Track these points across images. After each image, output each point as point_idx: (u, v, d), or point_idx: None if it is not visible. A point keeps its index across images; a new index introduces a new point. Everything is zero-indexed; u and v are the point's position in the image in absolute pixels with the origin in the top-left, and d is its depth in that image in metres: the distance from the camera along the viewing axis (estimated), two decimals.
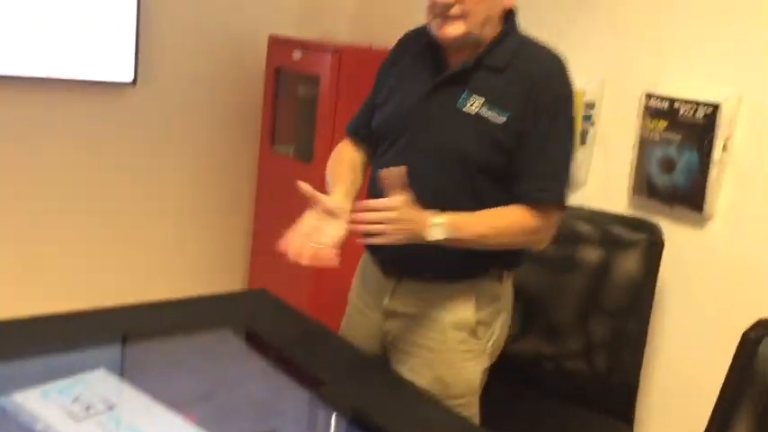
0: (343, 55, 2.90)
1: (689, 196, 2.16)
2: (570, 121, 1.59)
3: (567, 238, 2.17)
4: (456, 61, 1.60)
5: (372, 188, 1.68)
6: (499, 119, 1.54)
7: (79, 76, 2.93)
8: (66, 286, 3.12)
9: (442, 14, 1.53)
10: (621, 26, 2.37)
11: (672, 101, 2.16)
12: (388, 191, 1.47)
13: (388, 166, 1.50)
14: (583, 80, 2.38)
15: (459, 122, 1.56)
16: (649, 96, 2.22)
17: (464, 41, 1.56)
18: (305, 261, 1.48)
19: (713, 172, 2.10)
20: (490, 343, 1.70)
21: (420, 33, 1.69)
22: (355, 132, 1.82)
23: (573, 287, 2.13)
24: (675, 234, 2.14)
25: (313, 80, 3.01)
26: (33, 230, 3.04)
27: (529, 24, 2.67)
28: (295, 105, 3.25)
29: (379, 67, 1.81)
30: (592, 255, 2.11)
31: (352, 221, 1.49)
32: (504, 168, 1.56)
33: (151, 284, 3.31)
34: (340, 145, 1.83)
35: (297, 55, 3.07)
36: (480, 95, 1.55)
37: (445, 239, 1.49)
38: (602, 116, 2.41)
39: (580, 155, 2.42)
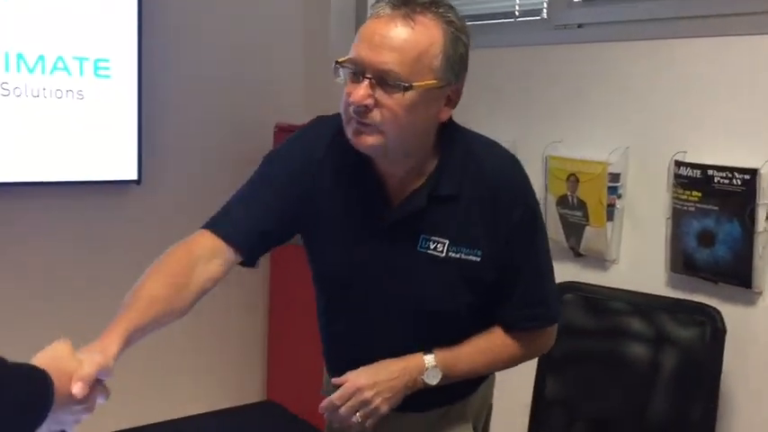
0: None
1: (734, 271, 1.96)
2: (542, 227, 1.42)
3: (614, 329, 1.97)
4: (394, 184, 1.34)
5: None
6: (473, 257, 1.33)
7: (82, 178, 2.85)
8: None
9: (357, 120, 1.25)
10: (643, 90, 2.22)
11: (705, 168, 1.98)
12: None
13: (352, 337, 1.42)
14: (605, 150, 2.23)
15: (431, 269, 1.33)
16: (679, 164, 2.05)
17: (384, 153, 1.28)
18: None
19: (759, 243, 1.90)
20: None
21: (338, 147, 1.36)
22: (228, 237, 1.35)
23: (625, 382, 1.92)
24: (724, 313, 1.93)
25: None
26: (39, 332, 2.88)
27: (543, 89, 2.52)
28: None
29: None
30: (643, 348, 1.92)
31: (337, 421, 1.36)
32: (482, 301, 1.39)
33: (161, 392, 3.13)
34: (188, 243, 1.38)
35: None
36: (442, 237, 1.32)
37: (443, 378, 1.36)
38: (629, 188, 2.24)
39: (609, 231, 2.24)
